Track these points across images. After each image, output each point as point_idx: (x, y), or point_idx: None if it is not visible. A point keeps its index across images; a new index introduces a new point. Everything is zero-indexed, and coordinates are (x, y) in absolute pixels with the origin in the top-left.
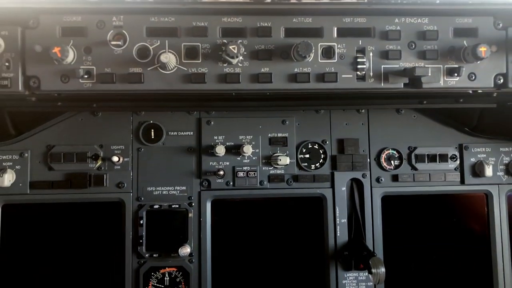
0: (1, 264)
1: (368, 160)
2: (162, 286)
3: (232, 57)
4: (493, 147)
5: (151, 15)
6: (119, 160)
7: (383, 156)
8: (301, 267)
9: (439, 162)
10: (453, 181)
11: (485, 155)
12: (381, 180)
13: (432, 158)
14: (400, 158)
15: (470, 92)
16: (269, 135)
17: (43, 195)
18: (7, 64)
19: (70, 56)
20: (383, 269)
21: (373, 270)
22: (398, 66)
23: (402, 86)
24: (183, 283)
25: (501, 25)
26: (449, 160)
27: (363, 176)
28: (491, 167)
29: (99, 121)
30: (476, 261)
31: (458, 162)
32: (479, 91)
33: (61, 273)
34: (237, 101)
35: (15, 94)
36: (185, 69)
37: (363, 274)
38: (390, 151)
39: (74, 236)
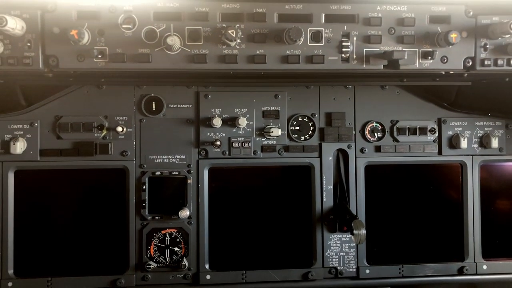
0: (15, 224)
1: (354, 132)
2: (163, 245)
3: (231, 40)
4: (469, 121)
5: (158, 1)
6: (123, 130)
7: (367, 128)
8: (290, 229)
9: (418, 135)
10: (431, 152)
11: (461, 129)
12: (365, 150)
13: (412, 131)
14: (383, 130)
15: (443, 73)
16: (263, 108)
17: (52, 162)
18: (28, 44)
19: (86, 38)
20: (364, 231)
21: (355, 232)
22: (378, 49)
23: (382, 68)
24: (182, 243)
25: (471, 13)
26: (428, 133)
27: (348, 147)
28: (466, 139)
29: (103, 94)
30: (450, 224)
31: (436, 134)
32: (451, 73)
33: (69, 234)
34: (234, 79)
35: (35, 71)
36: (188, 50)
37: (346, 236)
38: (374, 124)
39: (82, 200)
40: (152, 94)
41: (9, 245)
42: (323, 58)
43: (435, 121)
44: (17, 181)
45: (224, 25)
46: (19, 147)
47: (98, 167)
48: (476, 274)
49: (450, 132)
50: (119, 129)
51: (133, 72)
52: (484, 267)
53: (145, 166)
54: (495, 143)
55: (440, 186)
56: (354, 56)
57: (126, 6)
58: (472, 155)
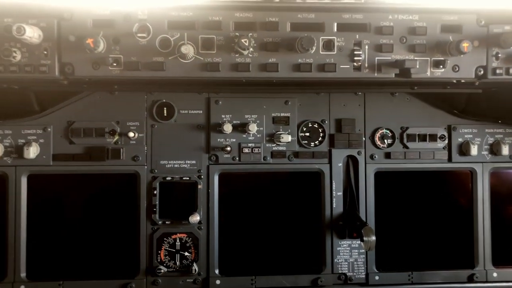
0: (28, 228)
1: (363, 138)
2: (174, 250)
3: (243, 49)
4: (479, 128)
5: (172, 10)
6: (134, 135)
7: (377, 135)
8: (300, 235)
9: (428, 142)
10: (441, 159)
11: (471, 136)
12: (375, 157)
13: (422, 138)
14: (393, 137)
15: (454, 81)
16: (273, 114)
17: (64, 167)
18: (45, 52)
19: (101, 46)
20: (373, 238)
21: (364, 238)
22: (390, 58)
23: (393, 76)
24: (192, 248)
25: (483, 22)
26: (438, 139)
27: (358, 153)
28: (476, 146)
29: (116, 100)
30: (460, 231)
31: (446, 141)
32: (462, 81)
33: (81, 238)
34: (245, 86)
35: (51, 79)
36: (202, 58)
37: (356, 242)
38: (384, 130)
39: (93, 205)
40: (164, 100)
41: (22, 249)
42: (335, 66)
43: (445, 128)
44: (30, 185)
45: (237, 33)
46: (32, 151)
47: (110, 172)
48: (486, 281)
49: (460, 139)
50: (131, 134)
51: (146, 79)
52: (495, 274)
53: (156, 171)
54: (505, 150)
55: (450, 193)
56: (366, 65)
57: (140, 15)
58: (482, 162)
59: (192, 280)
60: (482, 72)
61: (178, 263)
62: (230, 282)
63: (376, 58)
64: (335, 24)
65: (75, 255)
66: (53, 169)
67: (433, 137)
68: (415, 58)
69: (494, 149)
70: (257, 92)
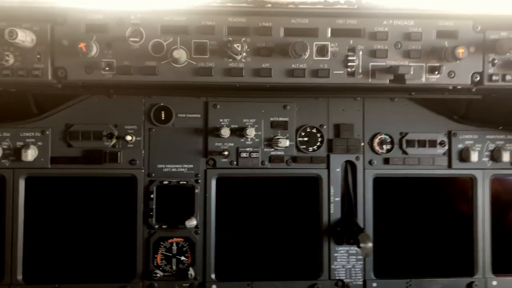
0: (25, 230)
1: (362, 144)
2: (170, 254)
3: (236, 54)
4: (480, 134)
5: (165, 15)
6: (132, 139)
7: (376, 140)
8: (297, 240)
9: (428, 147)
10: (441, 165)
11: (472, 142)
12: (373, 162)
13: (422, 144)
14: (392, 142)
15: (450, 87)
16: (271, 119)
17: (62, 169)
18: (38, 56)
19: (94, 51)
20: (370, 244)
21: (361, 245)
22: (384, 64)
23: (388, 82)
24: (189, 252)
25: (479, 28)
26: (437, 145)
27: (357, 158)
28: (476, 153)
29: (114, 103)
30: (459, 239)
31: (446, 147)
32: (458, 87)
33: (78, 241)
34: (241, 90)
35: (44, 83)
36: (195, 63)
37: (354, 248)
38: (383, 136)
39: (90, 207)
40: (162, 104)
41: (19, 251)
42: (328, 72)
43: (445, 134)
44: (28, 188)
45: (230, 38)
46: (30, 154)
47: (107, 175)
48: None
49: (460, 145)
50: (129, 138)
51: (139, 83)
52: (494, 283)
53: (153, 175)
54: (506, 156)
55: (449, 199)
56: (360, 71)
57: (134, 20)
58: (482, 169)
59: (188, 284)
60: (478, 78)
61: (174, 267)
62: (226, 287)
63: (370, 63)
64: (329, 29)
65: (72, 258)
66: (51, 172)
67: (432, 143)
68: (410, 64)
69: (495, 156)
70: (255, 96)
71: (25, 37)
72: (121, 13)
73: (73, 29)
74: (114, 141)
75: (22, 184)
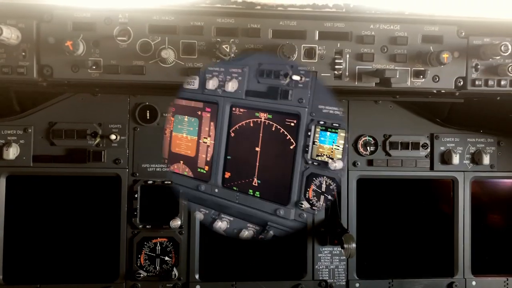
0: (6, 229)
1: (346, 145)
2: (154, 255)
3: (225, 55)
4: (461, 137)
5: (153, 14)
6: (116, 138)
7: (360, 142)
8: (281, 241)
9: (411, 150)
10: (423, 167)
11: (453, 145)
12: (357, 164)
13: (405, 146)
14: (376, 144)
15: (434, 91)
16: None
17: (45, 168)
18: (23, 53)
19: (81, 49)
20: (354, 245)
21: (345, 245)
22: (371, 67)
23: (374, 85)
24: (173, 252)
25: (463, 33)
26: (420, 148)
27: None
28: (458, 155)
29: (98, 101)
30: (440, 239)
31: (428, 150)
32: (442, 91)
33: (60, 241)
34: None
35: (29, 81)
36: (183, 63)
37: (337, 249)
38: (367, 138)
39: (73, 207)
40: (147, 103)
41: None
42: (316, 74)
43: (427, 137)
44: (9, 186)
45: (218, 39)
46: (12, 152)
47: (91, 174)
48: None
49: (442, 148)
50: (113, 137)
51: (126, 83)
52: (473, 283)
53: (137, 174)
54: (486, 159)
55: (431, 201)
56: (347, 73)
57: (121, 18)
58: (463, 171)
59: (172, 285)
60: (461, 83)
61: (158, 267)
62: (210, 287)
63: (357, 67)
64: (317, 32)
65: (54, 258)
66: (33, 171)
67: (415, 145)
68: (396, 68)
69: (476, 158)
70: None
71: (10, 34)
72: (109, 11)
73: (60, 27)
74: (98, 140)
75: (3, 183)
